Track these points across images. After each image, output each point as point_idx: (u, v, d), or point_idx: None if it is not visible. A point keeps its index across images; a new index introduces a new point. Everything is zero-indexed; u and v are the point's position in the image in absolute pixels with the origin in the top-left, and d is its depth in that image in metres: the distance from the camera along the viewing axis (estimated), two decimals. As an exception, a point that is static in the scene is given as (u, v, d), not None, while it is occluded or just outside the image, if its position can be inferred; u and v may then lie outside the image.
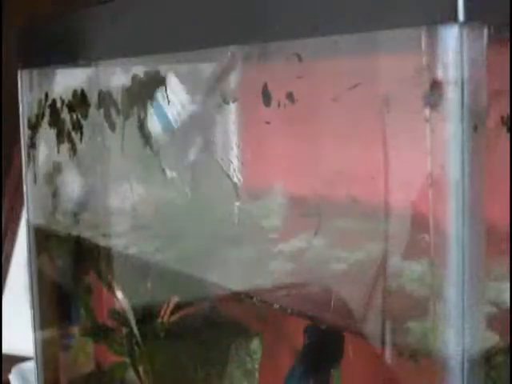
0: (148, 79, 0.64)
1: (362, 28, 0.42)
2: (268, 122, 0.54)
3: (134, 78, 0.65)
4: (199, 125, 0.65)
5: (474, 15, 0.37)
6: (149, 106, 0.65)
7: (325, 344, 0.53)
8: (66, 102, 0.76)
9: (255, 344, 0.60)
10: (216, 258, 0.65)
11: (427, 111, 0.39)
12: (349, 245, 0.59)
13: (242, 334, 0.61)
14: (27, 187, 0.85)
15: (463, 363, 0.39)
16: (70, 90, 0.75)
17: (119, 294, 0.73)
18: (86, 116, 0.73)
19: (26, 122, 0.84)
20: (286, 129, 0.55)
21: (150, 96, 0.64)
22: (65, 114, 0.77)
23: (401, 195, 0.46)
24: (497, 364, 0.42)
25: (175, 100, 0.63)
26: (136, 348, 0.71)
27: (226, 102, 0.58)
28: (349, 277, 0.57)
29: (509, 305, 0.45)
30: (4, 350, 1.04)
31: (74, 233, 0.79)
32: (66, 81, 0.78)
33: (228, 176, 0.60)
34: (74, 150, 0.76)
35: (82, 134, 0.75)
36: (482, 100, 0.39)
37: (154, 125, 0.68)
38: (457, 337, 0.39)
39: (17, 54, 0.83)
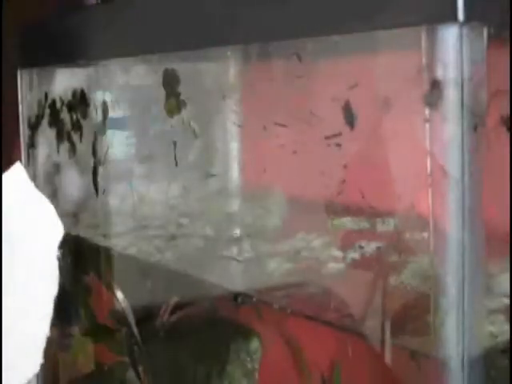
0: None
1: (362, 28, 0.42)
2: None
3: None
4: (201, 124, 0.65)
5: (474, 15, 0.37)
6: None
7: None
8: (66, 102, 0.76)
9: (255, 344, 0.60)
10: (215, 258, 0.65)
11: (427, 111, 0.39)
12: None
13: (242, 334, 0.61)
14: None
15: (463, 361, 0.39)
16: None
17: (119, 294, 0.73)
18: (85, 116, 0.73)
19: (26, 121, 0.84)
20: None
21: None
22: (64, 114, 0.77)
23: (401, 195, 0.46)
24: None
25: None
26: (136, 348, 0.71)
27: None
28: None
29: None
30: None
31: (74, 232, 0.79)
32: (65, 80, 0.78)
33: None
34: (73, 150, 0.76)
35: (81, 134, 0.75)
36: (481, 100, 0.39)
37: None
38: (457, 335, 0.39)
39: (17, 54, 0.83)
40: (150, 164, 0.72)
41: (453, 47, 0.38)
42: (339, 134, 0.49)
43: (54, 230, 0.42)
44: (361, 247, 0.58)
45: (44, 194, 0.84)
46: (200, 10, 0.55)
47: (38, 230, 0.42)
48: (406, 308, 0.46)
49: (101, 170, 0.72)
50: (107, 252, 0.75)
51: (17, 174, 0.42)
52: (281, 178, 0.60)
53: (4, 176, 0.42)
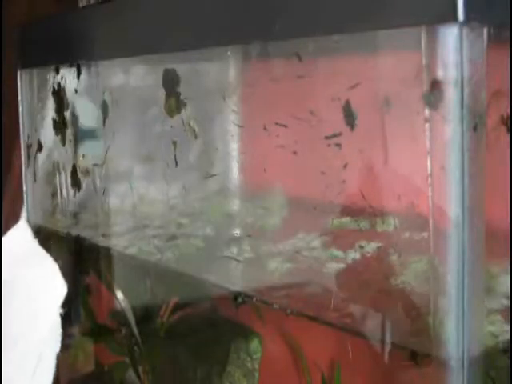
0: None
1: (363, 28, 0.42)
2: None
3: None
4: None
5: (473, 15, 0.37)
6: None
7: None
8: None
9: (255, 344, 0.60)
10: (215, 258, 0.65)
11: (427, 111, 0.39)
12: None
13: (242, 334, 0.61)
14: (27, 187, 0.85)
15: (463, 361, 0.39)
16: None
17: (119, 294, 0.73)
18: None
19: (25, 121, 0.84)
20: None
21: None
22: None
23: (401, 195, 0.46)
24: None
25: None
26: (136, 348, 0.71)
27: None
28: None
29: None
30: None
31: (74, 232, 0.79)
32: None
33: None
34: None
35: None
36: (481, 100, 0.39)
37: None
38: (458, 336, 0.39)
39: (17, 54, 0.83)
40: (150, 164, 0.72)
41: (453, 47, 0.38)
42: (339, 134, 0.49)
43: (57, 289, 0.42)
44: (361, 247, 0.58)
45: (44, 193, 0.84)
46: (200, 9, 0.55)
47: (41, 288, 0.42)
48: (406, 308, 0.46)
49: (101, 170, 0.72)
50: (107, 252, 0.75)
51: (22, 231, 0.43)
52: (281, 178, 0.60)
53: (9, 233, 0.43)
